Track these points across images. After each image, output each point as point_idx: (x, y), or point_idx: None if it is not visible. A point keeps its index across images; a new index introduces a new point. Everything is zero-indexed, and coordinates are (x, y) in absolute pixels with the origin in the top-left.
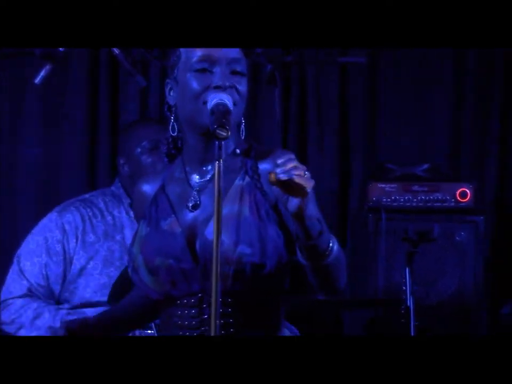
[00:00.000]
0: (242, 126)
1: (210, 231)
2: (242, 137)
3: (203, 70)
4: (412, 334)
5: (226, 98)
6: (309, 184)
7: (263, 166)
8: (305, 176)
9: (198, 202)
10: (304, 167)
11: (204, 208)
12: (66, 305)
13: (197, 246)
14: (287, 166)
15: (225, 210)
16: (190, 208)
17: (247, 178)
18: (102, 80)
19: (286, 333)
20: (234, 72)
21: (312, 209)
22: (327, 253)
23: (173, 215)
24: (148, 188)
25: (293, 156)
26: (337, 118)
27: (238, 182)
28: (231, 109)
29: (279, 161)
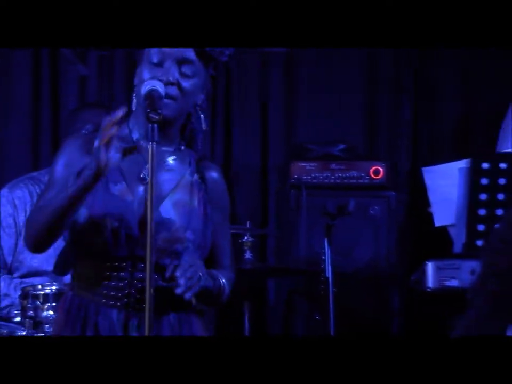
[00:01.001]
0: (205, 127)
1: (165, 209)
2: (186, 137)
3: (156, 64)
4: (331, 300)
5: (158, 85)
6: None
7: (209, 174)
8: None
9: (147, 175)
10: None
11: (156, 185)
12: (16, 274)
13: (148, 218)
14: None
15: (178, 196)
16: (143, 182)
17: (195, 176)
18: (44, 66)
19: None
20: (182, 73)
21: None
22: (220, 299)
23: (123, 182)
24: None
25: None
26: (259, 103)
27: (188, 176)
28: (163, 94)
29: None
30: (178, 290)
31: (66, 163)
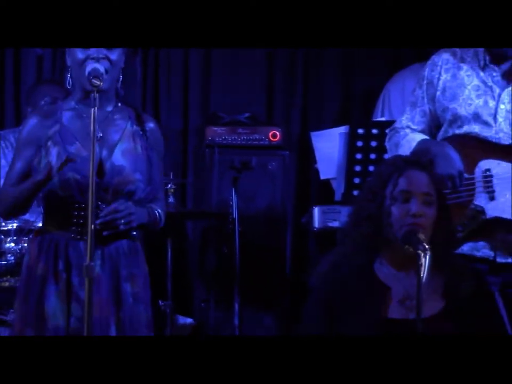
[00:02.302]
0: (120, 91)
1: (116, 158)
2: (119, 91)
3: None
4: (236, 236)
5: (99, 67)
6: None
7: (148, 124)
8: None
9: (101, 134)
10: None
11: (106, 140)
12: None
13: (105, 167)
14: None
15: (124, 145)
16: (97, 139)
17: (135, 127)
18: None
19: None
20: (107, 48)
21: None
22: (157, 226)
23: (77, 142)
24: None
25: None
26: (181, 82)
27: (129, 127)
28: (102, 71)
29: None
30: (98, 227)
31: (29, 137)
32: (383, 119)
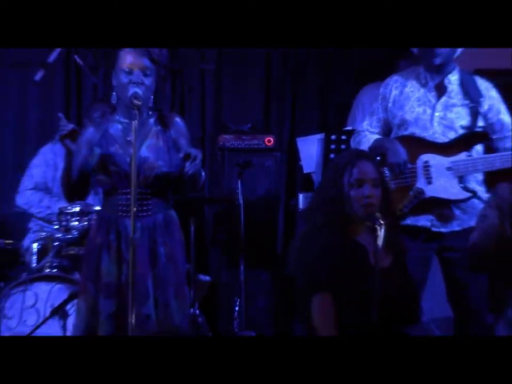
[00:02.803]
0: (151, 104)
1: (142, 152)
2: (151, 106)
3: (128, 72)
4: (242, 216)
5: (139, 90)
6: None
7: (171, 119)
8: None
9: (133, 138)
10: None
11: (137, 140)
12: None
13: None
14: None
15: (149, 142)
16: (130, 141)
17: (159, 127)
18: (72, 76)
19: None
20: (144, 74)
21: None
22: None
23: (116, 144)
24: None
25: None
26: (200, 95)
27: (154, 128)
28: (140, 94)
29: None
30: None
31: (85, 140)
32: (349, 128)
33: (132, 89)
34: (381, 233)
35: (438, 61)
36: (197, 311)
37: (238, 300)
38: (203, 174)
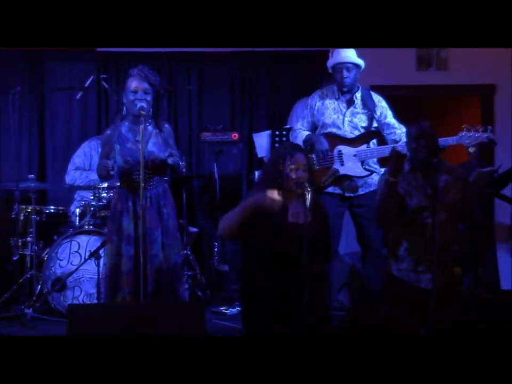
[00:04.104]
0: (150, 114)
1: (149, 147)
2: (150, 115)
3: (133, 92)
4: (217, 188)
5: (144, 104)
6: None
7: (164, 125)
8: None
9: (140, 138)
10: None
11: (144, 139)
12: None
13: (144, 152)
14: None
15: (152, 140)
16: (139, 140)
17: (156, 130)
18: (102, 96)
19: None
20: (145, 93)
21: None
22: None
23: (129, 142)
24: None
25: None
26: (187, 107)
27: (154, 131)
28: (146, 107)
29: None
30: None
31: (106, 140)
32: (288, 126)
33: (139, 104)
34: (308, 196)
35: (345, 89)
36: (189, 252)
37: (216, 244)
38: (181, 163)
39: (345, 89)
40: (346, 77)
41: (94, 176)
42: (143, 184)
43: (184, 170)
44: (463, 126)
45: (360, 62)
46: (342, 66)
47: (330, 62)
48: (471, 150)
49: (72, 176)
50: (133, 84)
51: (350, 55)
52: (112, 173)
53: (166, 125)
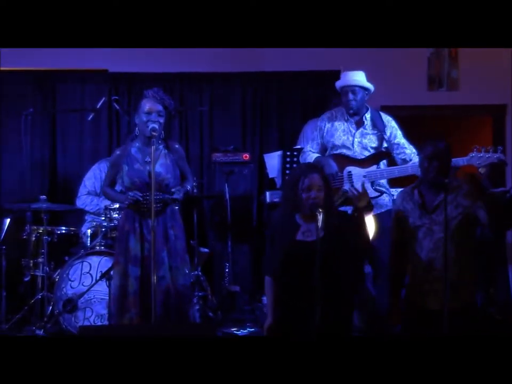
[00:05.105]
0: (162, 136)
1: (156, 169)
2: (162, 137)
3: (147, 113)
4: (228, 208)
5: (156, 126)
6: None
7: (174, 146)
8: None
9: (150, 160)
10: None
11: (153, 160)
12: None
13: (152, 173)
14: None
15: (161, 161)
16: (147, 162)
17: (166, 151)
18: (113, 117)
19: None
20: (159, 115)
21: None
22: (188, 195)
23: (137, 163)
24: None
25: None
26: (199, 127)
27: (163, 151)
28: (158, 128)
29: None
30: (175, 195)
31: (114, 161)
32: (299, 146)
33: (151, 125)
34: (320, 217)
35: (351, 111)
36: (200, 273)
37: (227, 264)
38: (189, 188)
39: (351, 112)
40: (351, 100)
41: (103, 203)
42: (154, 205)
43: (195, 190)
44: (474, 147)
45: (368, 85)
46: (348, 89)
47: (338, 84)
48: (482, 170)
49: (83, 201)
50: (147, 105)
51: (357, 78)
52: (127, 203)
53: (176, 145)
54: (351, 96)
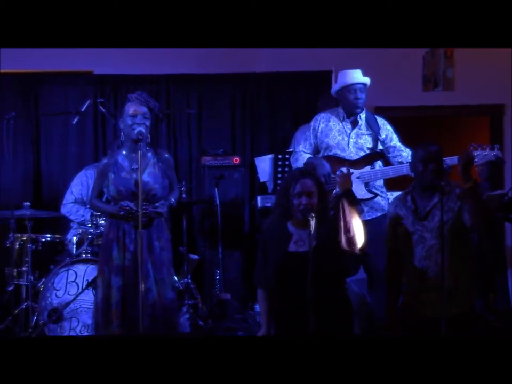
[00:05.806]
0: (148, 140)
1: (144, 177)
2: (149, 142)
3: (132, 116)
4: (218, 213)
5: (142, 129)
6: None
7: (163, 154)
8: None
9: (137, 167)
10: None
11: (140, 168)
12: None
13: (138, 183)
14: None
15: (149, 170)
16: (134, 169)
17: (155, 159)
18: (99, 120)
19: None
20: (144, 117)
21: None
22: (172, 208)
23: (124, 171)
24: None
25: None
26: (186, 130)
27: (152, 159)
28: (144, 131)
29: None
30: (160, 209)
31: (101, 170)
32: (291, 149)
33: (138, 128)
34: (313, 222)
35: (358, 110)
36: (190, 280)
37: (218, 272)
38: (172, 201)
39: (358, 111)
40: (360, 98)
41: (89, 214)
42: (140, 212)
43: (183, 195)
44: (470, 145)
45: (368, 80)
46: (355, 87)
47: (339, 84)
48: (479, 169)
49: (68, 210)
50: (132, 107)
51: (358, 76)
52: (122, 213)
53: (166, 155)
54: (359, 94)
